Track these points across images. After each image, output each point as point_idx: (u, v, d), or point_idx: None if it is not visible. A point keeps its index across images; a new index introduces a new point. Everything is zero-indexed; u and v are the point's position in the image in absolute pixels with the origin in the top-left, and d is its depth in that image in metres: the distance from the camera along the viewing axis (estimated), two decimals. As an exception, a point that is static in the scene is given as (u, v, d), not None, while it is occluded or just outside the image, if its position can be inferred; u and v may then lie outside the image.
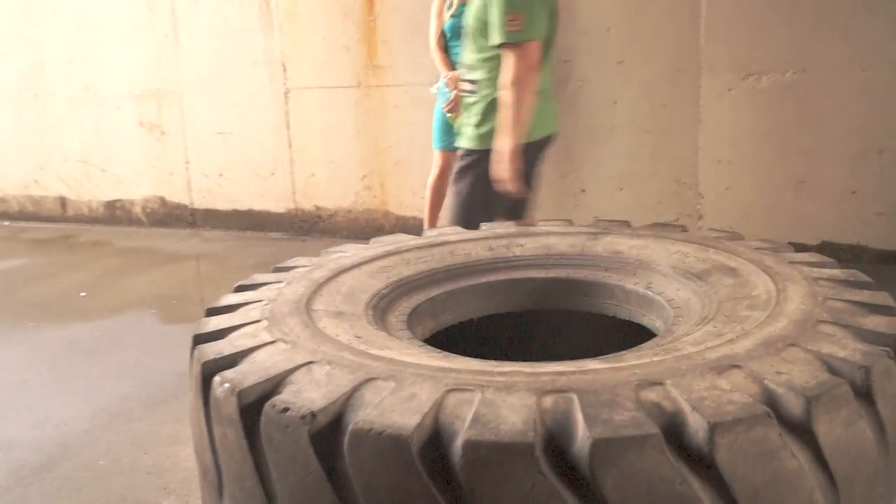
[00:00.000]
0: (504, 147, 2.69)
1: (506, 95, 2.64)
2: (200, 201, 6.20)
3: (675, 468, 1.09)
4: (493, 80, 2.79)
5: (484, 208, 2.67)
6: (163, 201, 6.34)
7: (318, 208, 5.75)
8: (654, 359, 1.34)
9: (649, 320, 1.90)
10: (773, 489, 1.13)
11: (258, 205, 5.97)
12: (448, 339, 2.02)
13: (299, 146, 5.72)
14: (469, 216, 2.59)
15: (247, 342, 1.52)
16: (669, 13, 4.27)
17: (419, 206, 4.97)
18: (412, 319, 1.92)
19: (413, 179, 5.16)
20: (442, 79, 4.18)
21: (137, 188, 6.30)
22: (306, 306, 1.72)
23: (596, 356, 1.47)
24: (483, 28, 2.73)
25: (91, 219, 6.47)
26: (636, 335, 1.98)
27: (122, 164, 6.30)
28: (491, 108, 2.81)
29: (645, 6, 4.33)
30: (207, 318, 1.70)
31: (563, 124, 4.61)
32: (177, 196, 6.30)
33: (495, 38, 2.64)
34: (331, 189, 5.68)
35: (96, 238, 5.76)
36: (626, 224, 2.38)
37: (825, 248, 4.08)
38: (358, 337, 1.56)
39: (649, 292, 1.90)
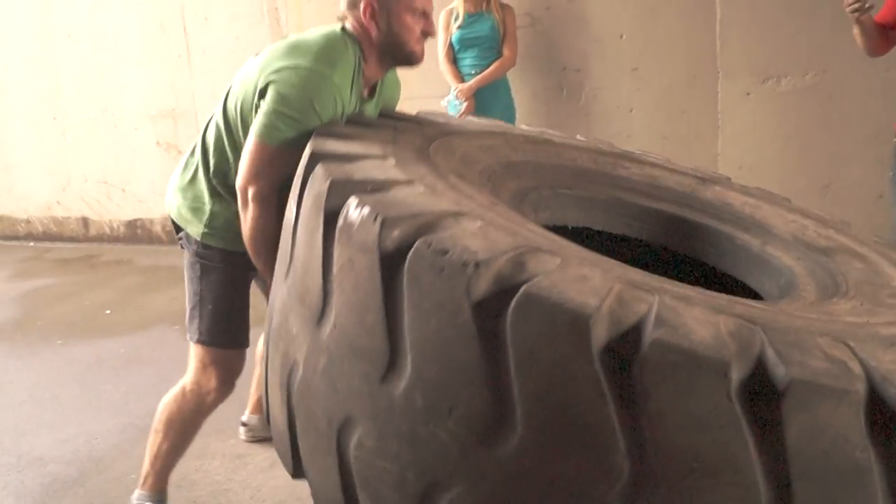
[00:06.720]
0: None
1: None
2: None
3: (862, 434, 1.01)
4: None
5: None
6: (181, 220, 6.00)
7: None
8: (820, 316, 1.24)
9: (756, 280, 1.80)
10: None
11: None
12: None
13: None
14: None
15: (380, 174, 1.37)
16: (683, 18, 4.07)
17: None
18: (513, 204, 1.79)
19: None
20: (452, 91, 4.03)
21: (157, 207, 5.98)
22: (430, 157, 1.58)
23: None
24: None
25: (113, 238, 6.23)
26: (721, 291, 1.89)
27: (141, 184, 6.04)
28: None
29: (658, 12, 4.12)
30: (324, 138, 1.55)
31: (578, 133, 4.45)
32: (195, 214, 5.94)
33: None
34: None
35: (118, 257, 5.68)
36: (728, 179, 2.26)
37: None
38: (494, 203, 1.42)
39: (765, 252, 1.80)
